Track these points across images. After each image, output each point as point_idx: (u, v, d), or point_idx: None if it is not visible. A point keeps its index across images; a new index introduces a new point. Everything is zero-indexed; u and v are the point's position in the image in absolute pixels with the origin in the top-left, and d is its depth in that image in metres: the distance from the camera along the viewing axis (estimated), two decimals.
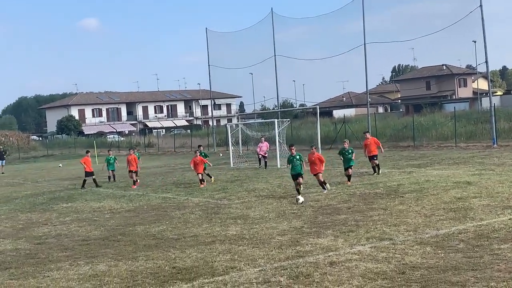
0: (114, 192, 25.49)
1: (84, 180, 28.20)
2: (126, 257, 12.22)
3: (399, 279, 9.12)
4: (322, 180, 20.30)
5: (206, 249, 12.36)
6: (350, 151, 22.86)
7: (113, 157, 31.41)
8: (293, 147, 20.12)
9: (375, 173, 24.47)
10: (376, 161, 24.81)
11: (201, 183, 24.90)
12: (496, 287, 8.38)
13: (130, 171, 27.40)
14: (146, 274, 10.63)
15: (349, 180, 22.11)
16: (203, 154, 26.83)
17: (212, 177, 26.66)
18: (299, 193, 18.85)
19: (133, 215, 18.08)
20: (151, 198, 22.08)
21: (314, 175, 20.25)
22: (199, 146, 30.22)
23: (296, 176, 19.53)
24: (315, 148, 20.96)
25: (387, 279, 9.16)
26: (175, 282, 9.94)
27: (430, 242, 11.40)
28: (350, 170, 22.40)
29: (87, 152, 30.16)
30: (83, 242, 14.24)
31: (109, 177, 30.82)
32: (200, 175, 25.17)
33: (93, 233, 15.46)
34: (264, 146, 32.64)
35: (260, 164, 32.65)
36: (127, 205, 20.56)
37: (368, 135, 26.29)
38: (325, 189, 20.23)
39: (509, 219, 13.05)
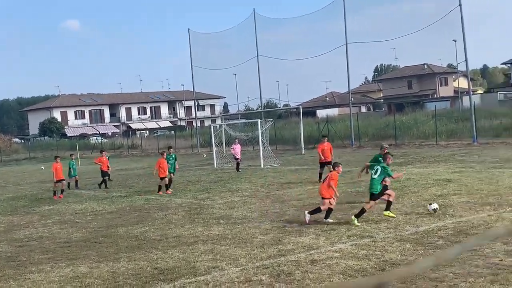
0: (97, 194, 25.40)
1: (104, 180, 27.81)
2: (108, 258, 12.22)
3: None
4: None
5: (188, 249, 12.39)
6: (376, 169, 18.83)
7: (74, 162, 30.39)
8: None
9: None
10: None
11: (163, 190, 23.21)
12: (474, 283, 8.51)
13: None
14: (127, 275, 10.64)
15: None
16: (173, 156, 25.68)
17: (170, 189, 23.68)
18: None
19: (115, 217, 18.05)
20: (134, 200, 22.04)
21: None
22: (169, 147, 27.43)
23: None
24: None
25: (367, 276, 9.26)
26: (157, 283, 9.97)
27: (410, 239, 11.53)
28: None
29: (102, 151, 30.35)
30: (65, 244, 14.20)
31: (69, 184, 28.31)
32: (164, 179, 23.28)
33: (74, 235, 15.43)
34: (237, 148, 31.94)
35: (238, 169, 30.75)
36: (109, 207, 20.51)
37: (326, 139, 24.80)
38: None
39: (488, 216, 13.23)
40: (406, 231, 12.34)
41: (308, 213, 14.20)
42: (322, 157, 23.61)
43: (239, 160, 31.35)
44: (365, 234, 12.38)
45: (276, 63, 56.37)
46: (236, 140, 33.52)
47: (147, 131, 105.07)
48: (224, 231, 14.08)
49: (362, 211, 13.56)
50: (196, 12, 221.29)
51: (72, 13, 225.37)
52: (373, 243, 11.50)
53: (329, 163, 22.47)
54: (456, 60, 68.42)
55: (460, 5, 38.54)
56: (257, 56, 54.24)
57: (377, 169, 13.78)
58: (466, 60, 39.91)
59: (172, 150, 27.00)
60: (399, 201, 16.31)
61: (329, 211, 14.14)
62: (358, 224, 13.22)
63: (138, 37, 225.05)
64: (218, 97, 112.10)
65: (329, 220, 14.00)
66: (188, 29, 61.47)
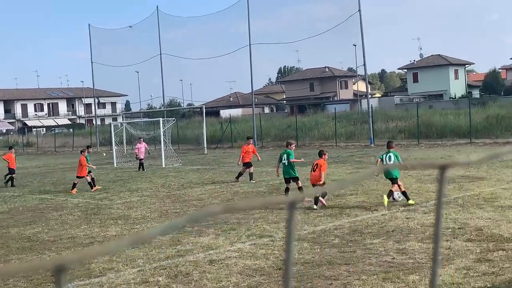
0: None
1: (11, 177, 26.45)
2: None
3: (276, 275, 9.30)
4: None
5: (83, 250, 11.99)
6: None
7: None
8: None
9: (251, 180, 22.25)
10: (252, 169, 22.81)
11: (94, 187, 22.66)
12: (366, 280, 8.74)
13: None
14: (18, 277, 10.16)
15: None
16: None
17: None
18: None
19: (7, 217, 17.24)
20: (28, 199, 21.16)
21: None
22: (88, 146, 26.46)
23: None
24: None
25: (265, 275, 9.31)
26: (49, 285, 9.59)
27: (307, 238, 11.71)
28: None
29: (10, 148, 28.82)
30: None
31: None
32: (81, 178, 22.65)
33: None
34: (143, 147, 31.27)
35: (139, 169, 30.24)
36: (1, 207, 19.57)
37: (251, 141, 24.59)
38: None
39: (382, 215, 13.66)
40: (304, 230, 12.53)
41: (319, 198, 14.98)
42: (242, 159, 22.93)
43: (142, 159, 30.63)
44: (265, 233, 12.46)
45: (180, 61, 56.18)
46: (141, 139, 32.55)
47: (44, 129, 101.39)
48: (121, 232, 13.77)
49: (390, 193, 14.96)
50: (98, 7, 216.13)
51: None
52: (272, 242, 11.59)
53: (249, 164, 22.67)
54: (356, 64, 70.57)
55: (359, 10, 39.79)
56: (160, 54, 53.73)
57: (390, 156, 15.43)
58: (364, 64, 41.26)
59: (90, 149, 26.53)
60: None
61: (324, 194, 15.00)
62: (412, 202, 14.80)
63: (36, 31, 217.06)
64: (120, 95, 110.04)
65: (323, 201, 15.09)
66: (89, 24, 60.00)
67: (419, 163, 1.73)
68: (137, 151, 30.99)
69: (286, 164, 16.91)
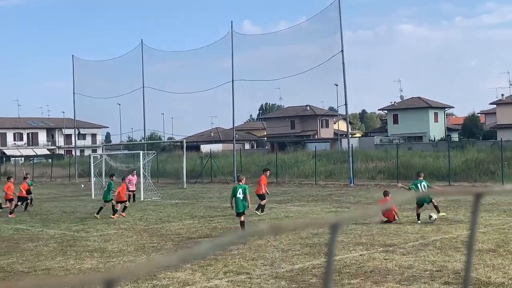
0: None
1: (16, 205, 26.74)
2: None
3: None
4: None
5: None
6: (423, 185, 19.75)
7: (30, 182, 29.45)
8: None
9: (261, 212, 22.78)
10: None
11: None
12: None
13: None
14: None
15: (418, 218, 19.04)
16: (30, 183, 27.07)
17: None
18: None
19: None
20: (2, 229, 20.81)
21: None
22: (27, 174, 29.93)
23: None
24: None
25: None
26: None
27: (285, 277, 11.64)
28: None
29: (9, 178, 29.78)
30: None
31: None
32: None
33: None
34: (134, 179, 31.57)
35: (129, 200, 29.36)
36: None
37: (268, 172, 25.11)
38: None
39: (360, 255, 13.64)
40: (282, 268, 12.46)
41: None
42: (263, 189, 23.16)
43: (134, 191, 30.98)
44: (242, 270, 12.36)
45: (162, 95, 56.20)
46: (134, 171, 32.73)
47: (23, 158, 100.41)
48: (97, 265, 13.57)
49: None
50: (82, 39, 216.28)
51: None
52: (249, 279, 11.49)
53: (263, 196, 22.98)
54: (337, 103, 71.12)
55: (342, 51, 40.30)
56: (143, 87, 53.81)
57: (424, 184, 19.08)
58: (346, 104, 41.63)
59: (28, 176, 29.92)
60: (276, 238, 16.49)
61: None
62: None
63: (17, 59, 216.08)
64: (101, 127, 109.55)
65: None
66: (72, 55, 60.11)
67: (455, 189, 1.75)
68: (127, 182, 30.97)
69: (242, 198, 17.51)
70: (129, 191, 30.85)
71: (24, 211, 26.99)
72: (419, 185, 19.16)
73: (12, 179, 29.32)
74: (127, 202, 25.11)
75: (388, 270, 12.06)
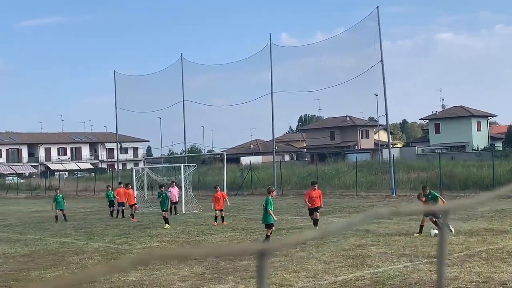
0: (10, 235, 24.35)
1: (118, 210, 30.58)
2: None
3: None
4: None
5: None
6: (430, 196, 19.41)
7: (61, 195, 30.42)
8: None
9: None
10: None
11: None
12: None
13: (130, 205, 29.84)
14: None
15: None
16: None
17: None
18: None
19: (28, 260, 17.30)
20: (48, 243, 21.23)
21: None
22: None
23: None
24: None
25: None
26: None
27: None
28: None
29: (120, 183, 33.03)
30: None
31: (57, 217, 29.36)
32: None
33: None
34: (175, 191, 32.02)
35: (171, 212, 30.44)
36: (22, 250, 19.66)
37: (316, 186, 23.29)
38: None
39: (404, 267, 13.48)
40: (325, 280, 12.40)
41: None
42: (309, 205, 22.04)
43: (176, 203, 31.70)
44: (285, 282, 12.35)
45: (202, 108, 56.57)
46: (173, 183, 33.23)
47: (67, 173, 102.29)
48: (141, 277, 13.72)
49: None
50: (123, 54, 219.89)
51: None
52: None
53: (317, 208, 22.03)
54: (377, 113, 70.60)
55: (381, 61, 40.05)
56: (183, 101, 54.29)
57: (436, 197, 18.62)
58: (386, 114, 41.28)
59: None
60: (319, 250, 16.43)
61: None
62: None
63: (61, 76, 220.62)
64: (142, 140, 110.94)
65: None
66: (114, 70, 61.05)
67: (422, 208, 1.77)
68: (169, 194, 31.53)
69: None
70: (171, 203, 31.33)
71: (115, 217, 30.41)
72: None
73: (130, 185, 32.17)
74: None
75: (433, 282, 11.88)
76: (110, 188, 33.87)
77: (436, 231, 17.52)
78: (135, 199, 31.27)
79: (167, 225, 24.73)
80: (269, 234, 17.74)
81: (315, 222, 21.57)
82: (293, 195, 42.65)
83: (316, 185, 23.44)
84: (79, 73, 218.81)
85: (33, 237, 23.18)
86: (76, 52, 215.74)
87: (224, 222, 24.76)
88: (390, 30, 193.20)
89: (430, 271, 12.90)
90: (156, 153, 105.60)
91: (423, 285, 11.61)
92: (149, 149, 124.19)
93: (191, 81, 57.31)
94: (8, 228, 27.90)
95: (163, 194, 26.41)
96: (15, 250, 19.69)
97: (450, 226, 17.73)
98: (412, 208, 1.40)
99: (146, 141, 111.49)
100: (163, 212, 25.49)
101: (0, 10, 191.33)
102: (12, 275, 14.92)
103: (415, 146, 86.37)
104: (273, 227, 18.64)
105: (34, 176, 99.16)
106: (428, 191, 18.85)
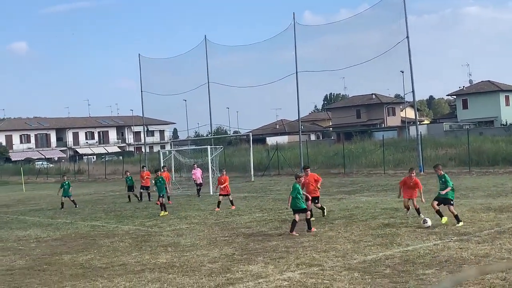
0: (41, 220, 24.77)
1: (141, 193, 30.90)
2: (52, 287, 11.86)
3: None
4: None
5: (135, 277, 12.14)
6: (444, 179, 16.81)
7: (67, 182, 30.14)
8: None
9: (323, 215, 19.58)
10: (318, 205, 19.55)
11: None
12: None
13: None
14: None
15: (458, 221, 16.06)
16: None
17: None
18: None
19: (60, 244, 17.60)
20: (79, 226, 21.56)
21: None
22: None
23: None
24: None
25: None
26: None
27: (358, 268, 11.58)
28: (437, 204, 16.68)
29: (143, 167, 34.00)
30: (7, 272, 13.74)
31: (62, 204, 29.01)
32: None
33: (17, 262, 14.95)
34: (198, 172, 32.34)
35: (199, 194, 31.29)
36: (54, 234, 19.99)
37: (308, 170, 20.18)
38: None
39: (434, 245, 13.42)
40: (354, 259, 12.40)
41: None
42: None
43: (201, 184, 31.78)
44: (314, 262, 12.38)
45: (226, 89, 56.53)
46: (195, 165, 33.56)
47: (95, 156, 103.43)
48: (171, 259, 13.87)
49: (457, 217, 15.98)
50: (147, 38, 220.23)
51: (20, 36, 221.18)
52: (322, 271, 11.50)
53: (315, 198, 19.26)
54: (403, 90, 69.97)
55: (407, 37, 39.57)
56: (208, 82, 54.31)
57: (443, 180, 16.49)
58: (413, 91, 40.87)
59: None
60: (347, 229, 16.42)
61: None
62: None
63: (87, 61, 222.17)
64: (168, 123, 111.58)
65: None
66: (139, 54, 61.27)
67: None
68: (193, 177, 32.00)
69: (294, 196, 16.53)
70: (196, 185, 31.68)
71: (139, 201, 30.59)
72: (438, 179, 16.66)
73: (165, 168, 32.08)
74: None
75: (464, 259, 11.82)
76: (129, 174, 33.49)
77: (429, 224, 15.77)
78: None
79: (163, 212, 23.39)
80: (307, 217, 16.54)
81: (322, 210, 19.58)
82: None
83: (308, 169, 20.38)
84: (105, 57, 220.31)
85: (64, 221, 23.54)
86: (101, 36, 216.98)
87: (233, 207, 24.00)
88: (415, 5, 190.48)
89: (460, 248, 12.83)
90: (182, 135, 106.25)
91: (453, 263, 11.55)
92: (175, 132, 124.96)
93: (215, 63, 57.23)
94: (39, 212, 28.36)
95: (160, 179, 24.73)
96: (47, 234, 20.03)
97: (427, 220, 15.94)
98: (500, 265, 1.34)
99: (172, 123, 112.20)
100: (160, 198, 23.86)
101: None
102: (45, 259, 15.19)
103: (443, 122, 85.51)
104: (308, 212, 16.77)
105: (63, 160, 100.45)
106: (441, 173, 16.72)
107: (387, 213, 19.19)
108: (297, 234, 15.99)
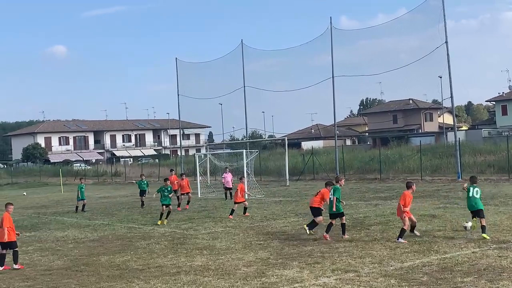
0: (79, 221, 25.12)
1: (178, 197, 29.30)
2: (89, 287, 12.01)
3: None
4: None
5: (171, 280, 12.23)
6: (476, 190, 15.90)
7: (83, 185, 30.45)
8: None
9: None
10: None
11: None
12: None
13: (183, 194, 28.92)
14: None
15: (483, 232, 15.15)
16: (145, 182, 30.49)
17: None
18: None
19: (97, 245, 17.82)
20: (116, 228, 21.81)
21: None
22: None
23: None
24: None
25: None
26: None
27: (394, 275, 11.46)
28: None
29: (171, 170, 33.50)
30: (46, 272, 13.97)
31: (77, 207, 29.67)
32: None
33: (55, 263, 15.19)
34: (228, 177, 32.33)
35: (226, 197, 31.60)
36: (91, 235, 20.27)
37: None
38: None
39: (472, 253, 13.21)
40: (391, 266, 12.28)
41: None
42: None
43: (230, 189, 31.55)
44: (350, 268, 12.29)
45: (262, 94, 56.57)
46: (227, 169, 33.71)
47: (131, 159, 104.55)
48: (207, 262, 13.93)
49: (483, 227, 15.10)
50: (184, 42, 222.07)
51: (60, 39, 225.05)
52: (358, 277, 11.41)
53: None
54: (441, 96, 69.00)
55: (446, 42, 39.06)
56: (244, 86, 54.41)
57: (477, 190, 15.67)
58: (451, 97, 40.28)
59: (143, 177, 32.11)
60: (384, 235, 16.27)
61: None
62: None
63: (125, 64, 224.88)
64: (204, 127, 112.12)
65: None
66: (176, 58, 61.72)
67: None
68: (223, 181, 32.11)
69: (338, 197, 16.48)
70: (225, 188, 31.76)
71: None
72: (472, 190, 15.65)
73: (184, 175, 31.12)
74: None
75: (503, 267, 11.61)
76: (144, 177, 32.57)
77: (468, 225, 16.08)
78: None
79: (160, 221, 22.18)
80: (343, 222, 16.48)
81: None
82: (355, 180, 42.26)
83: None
84: (142, 61, 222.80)
85: (102, 223, 23.84)
86: (138, 40, 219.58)
87: (246, 214, 23.34)
88: (454, 9, 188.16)
89: (500, 256, 12.60)
90: (217, 139, 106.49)
91: (492, 271, 11.34)
92: (210, 135, 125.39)
93: (251, 67, 57.45)
94: (77, 214, 28.76)
95: (169, 188, 23.22)
96: (85, 235, 20.32)
97: (416, 232, 15.80)
98: None
99: (207, 127, 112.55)
100: (163, 207, 22.53)
101: (66, 1, 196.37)
102: (82, 259, 15.40)
103: (481, 128, 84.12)
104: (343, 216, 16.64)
105: (100, 162, 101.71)
106: (476, 182, 16.17)
107: (424, 220, 18.96)
108: (330, 239, 15.91)
